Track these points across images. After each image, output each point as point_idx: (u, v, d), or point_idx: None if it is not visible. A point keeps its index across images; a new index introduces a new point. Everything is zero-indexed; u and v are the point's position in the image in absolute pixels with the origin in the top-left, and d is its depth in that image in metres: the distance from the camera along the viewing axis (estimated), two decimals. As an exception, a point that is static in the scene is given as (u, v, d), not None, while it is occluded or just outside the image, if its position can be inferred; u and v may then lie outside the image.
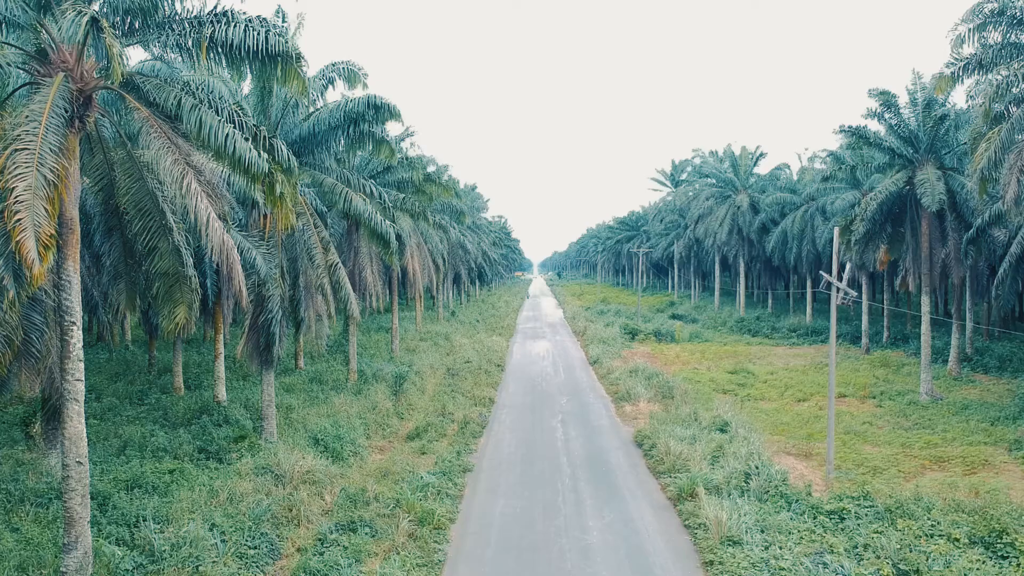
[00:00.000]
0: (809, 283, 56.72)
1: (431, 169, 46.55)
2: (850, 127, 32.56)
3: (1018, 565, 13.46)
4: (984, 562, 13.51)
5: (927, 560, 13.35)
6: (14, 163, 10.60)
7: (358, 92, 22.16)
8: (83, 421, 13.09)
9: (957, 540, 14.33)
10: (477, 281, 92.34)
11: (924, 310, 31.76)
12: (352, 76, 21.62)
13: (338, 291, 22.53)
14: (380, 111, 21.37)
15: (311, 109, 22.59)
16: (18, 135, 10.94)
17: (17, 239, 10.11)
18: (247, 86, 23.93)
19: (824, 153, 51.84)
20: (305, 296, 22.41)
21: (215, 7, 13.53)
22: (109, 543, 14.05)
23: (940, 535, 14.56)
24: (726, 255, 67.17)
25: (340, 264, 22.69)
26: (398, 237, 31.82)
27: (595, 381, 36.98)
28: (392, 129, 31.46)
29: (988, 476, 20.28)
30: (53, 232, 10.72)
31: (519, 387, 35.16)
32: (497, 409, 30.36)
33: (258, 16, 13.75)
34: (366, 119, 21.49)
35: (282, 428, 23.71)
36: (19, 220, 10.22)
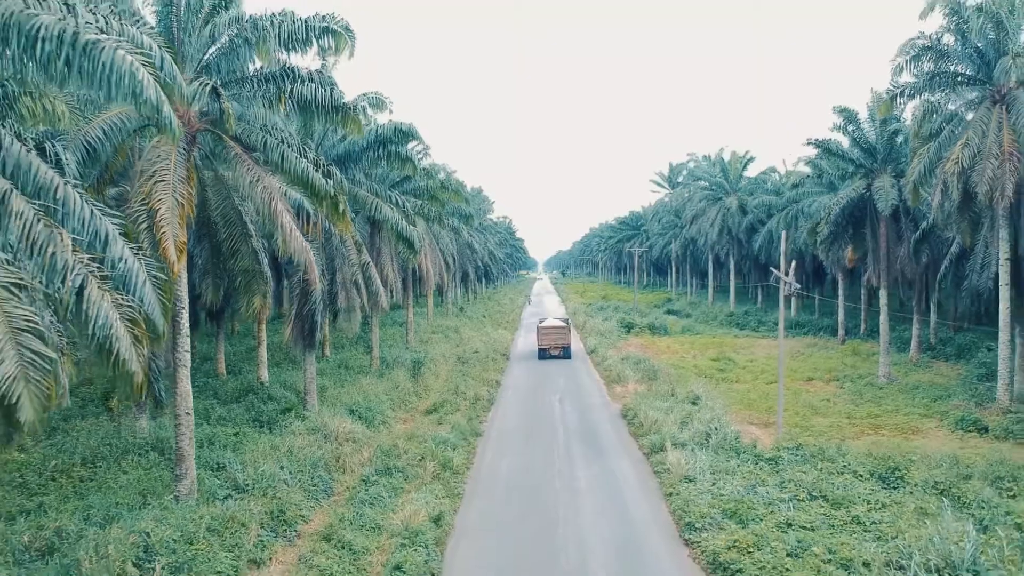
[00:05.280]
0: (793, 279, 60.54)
1: (441, 176, 50.67)
2: (818, 140, 36.66)
3: (905, 492, 17.50)
4: (876, 490, 17.58)
5: (833, 488, 17.42)
6: (156, 191, 14.73)
7: (383, 117, 26.40)
8: (190, 381, 17.25)
9: (861, 475, 18.42)
10: (483, 279, 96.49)
11: (882, 303, 35.74)
12: (379, 103, 25.71)
13: (370, 286, 26.68)
14: (404, 134, 25.52)
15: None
16: (155, 170, 15.07)
17: (163, 246, 14.24)
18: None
19: (807, 157, 55.82)
20: (341, 290, 26.53)
21: (283, 65, 17.68)
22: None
23: (848, 472, 18.65)
24: (718, 254, 71.17)
25: (371, 263, 26.86)
26: (415, 239, 35.94)
27: (591, 367, 41.08)
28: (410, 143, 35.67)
29: (915, 439, 24.31)
30: (184, 240, 14.87)
31: (522, 372, 39.29)
32: (503, 390, 34.50)
33: (318, 70, 17.92)
34: (393, 141, 25.62)
35: (319, 404, 27.80)
36: (163, 232, 14.35)
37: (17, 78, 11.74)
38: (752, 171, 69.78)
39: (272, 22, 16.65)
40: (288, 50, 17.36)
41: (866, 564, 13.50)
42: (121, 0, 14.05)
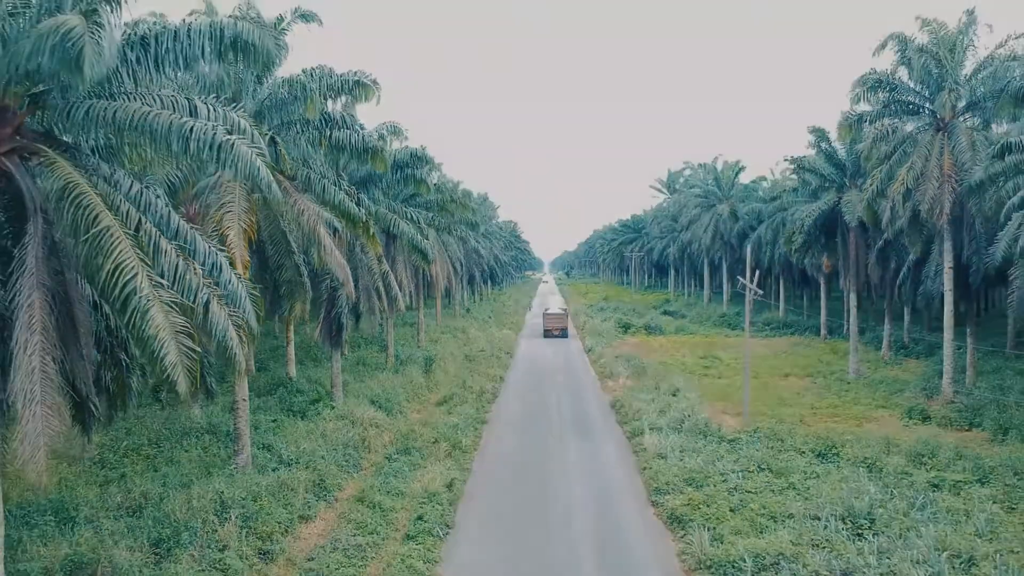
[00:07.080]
0: (781, 283, 64.10)
1: (448, 186, 54.38)
2: (793, 157, 40.46)
3: (837, 466, 21.04)
4: (815, 464, 21.14)
5: (778, 462, 20.97)
6: (225, 219, 18.37)
7: (397, 144, 30.18)
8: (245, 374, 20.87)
9: (803, 452, 22.00)
10: (489, 281, 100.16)
11: (852, 305, 39.22)
12: (397, 131, 29.44)
13: (389, 292, 30.33)
14: (419, 159, 29.19)
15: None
16: (223, 202, 18.71)
17: (232, 264, 17.86)
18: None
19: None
20: (363, 295, 30.17)
21: (322, 111, 21.31)
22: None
23: (793, 450, 22.22)
24: (713, 258, 74.70)
25: (390, 271, 30.50)
26: (426, 248, 39.52)
27: (588, 365, 44.70)
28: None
29: (868, 426, 27.77)
30: (248, 259, 18.50)
31: (524, 369, 42.94)
32: (506, 385, 38.14)
33: (350, 115, 21.57)
34: (409, 165, 29.28)
35: (343, 395, 31.44)
36: (233, 253, 17.95)
37: (118, 134, 15.34)
38: (744, 178, 73.37)
39: (313, 77, 20.27)
40: (325, 99, 21.00)
41: (790, 516, 17.06)
42: (221, 89, 17.74)
